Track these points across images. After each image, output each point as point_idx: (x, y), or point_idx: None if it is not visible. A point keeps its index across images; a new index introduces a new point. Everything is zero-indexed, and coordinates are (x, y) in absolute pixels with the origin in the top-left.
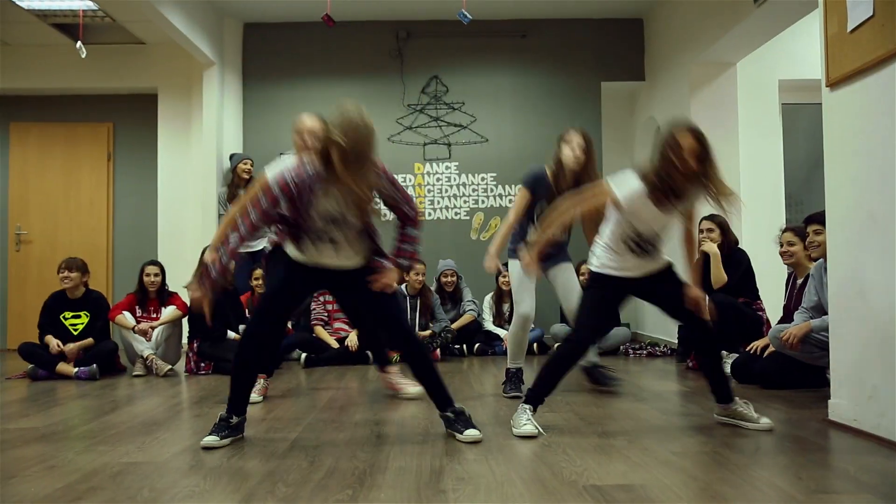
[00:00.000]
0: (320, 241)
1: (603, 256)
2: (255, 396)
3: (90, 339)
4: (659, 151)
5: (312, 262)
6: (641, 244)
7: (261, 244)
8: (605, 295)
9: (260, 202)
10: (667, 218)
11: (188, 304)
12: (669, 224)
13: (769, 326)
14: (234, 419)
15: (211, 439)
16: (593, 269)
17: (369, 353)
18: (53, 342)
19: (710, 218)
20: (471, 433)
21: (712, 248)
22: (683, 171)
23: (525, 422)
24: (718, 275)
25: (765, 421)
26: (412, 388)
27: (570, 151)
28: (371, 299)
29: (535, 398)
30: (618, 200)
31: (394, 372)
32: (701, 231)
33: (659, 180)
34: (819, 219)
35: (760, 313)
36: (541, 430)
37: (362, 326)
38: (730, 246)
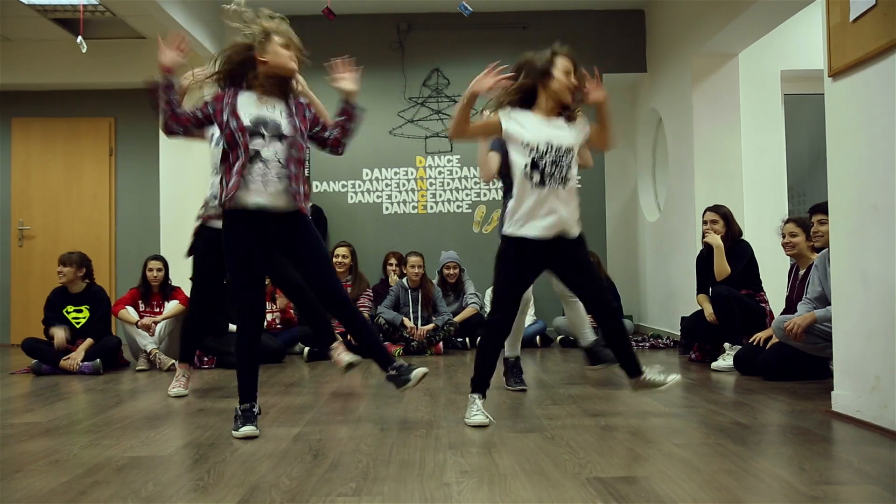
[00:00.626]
0: (251, 164)
1: (511, 214)
2: (181, 390)
3: (90, 340)
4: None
5: (246, 204)
6: (542, 168)
7: None
8: (517, 264)
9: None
10: (555, 129)
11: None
12: (562, 138)
13: (772, 318)
14: (256, 407)
15: (251, 429)
16: (504, 233)
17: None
18: (60, 334)
19: (714, 209)
20: (417, 371)
21: (716, 239)
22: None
23: (476, 412)
24: (722, 266)
25: (672, 376)
26: (347, 356)
27: None
28: (305, 252)
29: (479, 385)
30: (500, 122)
31: (337, 347)
32: (705, 223)
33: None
34: (824, 209)
35: (763, 305)
36: (491, 418)
37: (298, 297)
38: (733, 237)
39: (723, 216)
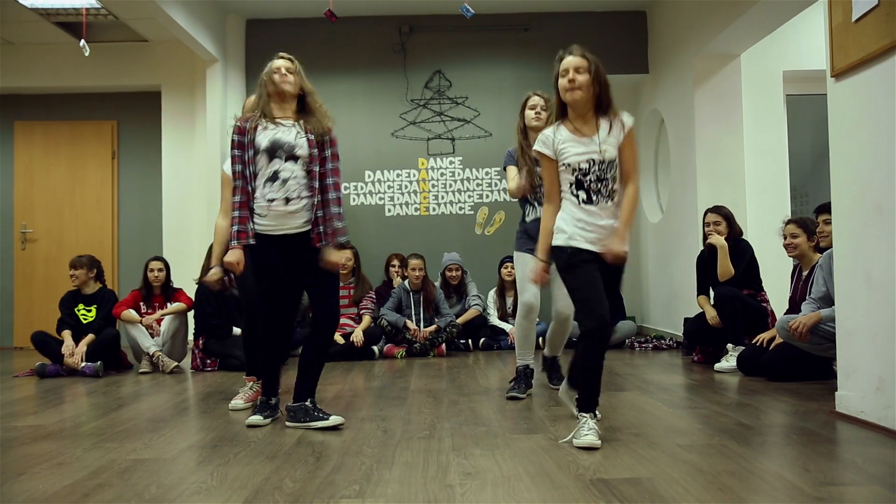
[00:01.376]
0: (270, 184)
1: (562, 229)
2: (240, 403)
3: (91, 336)
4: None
5: (269, 230)
6: (587, 186)
7: None
8: (583, 265)
9: (232, 152)
10: (593, 145)
11: (193, 299)
12: (604, 157)
13: (773, 318)
14: (273, 400)
15: (257, 418)
16: (555, 244)
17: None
18: (69, 342)
19: (716, 210)
20: (335, 419)
21: (719, 240)
22: (569, 87)
23: (586, 431)
24: (726, 267)
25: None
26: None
27: (533, 112)
28: (319, 274)
29: (587, 404)
30: (539, 151)
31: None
32: (707, 224)
33: (560, 106)
34: (830, 208)
35: (764, 305)
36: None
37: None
38: (735, 237)
39: (724, 217)
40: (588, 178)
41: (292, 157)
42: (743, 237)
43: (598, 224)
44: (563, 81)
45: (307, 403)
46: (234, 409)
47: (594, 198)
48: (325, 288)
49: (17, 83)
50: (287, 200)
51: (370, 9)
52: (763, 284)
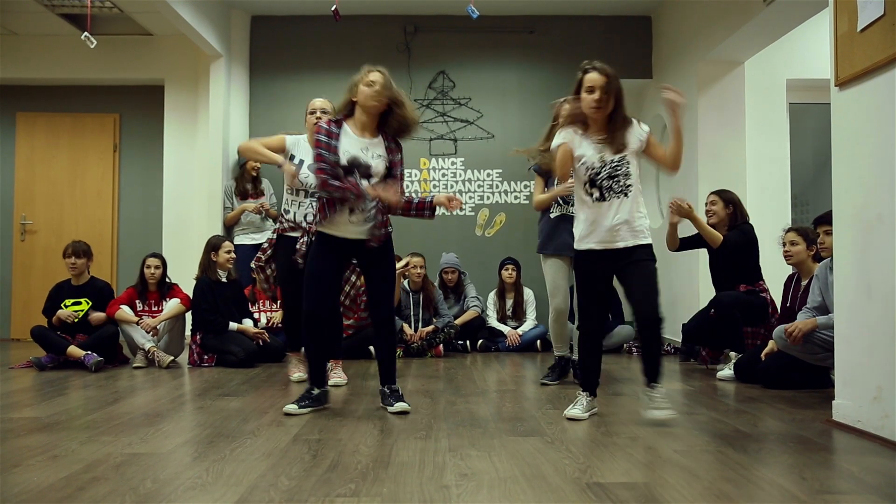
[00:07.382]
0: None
1: (577, 230)
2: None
3: (99, 313)
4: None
5: (335, 232)
6: (597, 183)
7: (264, 236)
8: (586, 274)
9: (319, 142)
10: (603, 147)
11: (190, 297)
12: (614, 155)
13: (773, 308)
14: (316, 390)
15: (291, 407)
16: (575, 247)
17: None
18: (65, 313)
19: (716, 192)
20: (400, 405)
21: (678, 217)
22: (596, 106)
23: (575, 406)
24: (710, 234)
25: (657, 413)
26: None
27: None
28: (376, 270)
29: (587, 385)
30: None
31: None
32: (706, 204)
33: (571, 114)
34: (829, 219)
35: (763, 295)
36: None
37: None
38: (736, 222)
39: (724, 200)
40: (600, 176)
41: (367, 175)
42: (746, 221)
43: (607, 221)
44: (588, 98)
45: (384, 388)
46: (299, 381)
47: (600, 196)
48: (378, 289)
49: (20, 74)
50: (351, 211)
51: (375, 8)
52: (762, 274)
